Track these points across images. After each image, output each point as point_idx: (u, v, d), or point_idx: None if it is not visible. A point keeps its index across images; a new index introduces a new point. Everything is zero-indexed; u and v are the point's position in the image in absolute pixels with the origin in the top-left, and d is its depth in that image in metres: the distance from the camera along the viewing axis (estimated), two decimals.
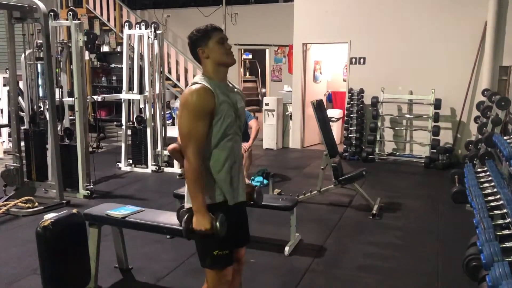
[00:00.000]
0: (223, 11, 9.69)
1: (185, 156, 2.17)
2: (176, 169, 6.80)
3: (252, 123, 5.99)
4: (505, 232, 2.93)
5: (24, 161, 5.37)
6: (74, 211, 2.97)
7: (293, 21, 8.62)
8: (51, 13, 5.57)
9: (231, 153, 2.26)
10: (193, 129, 2.14)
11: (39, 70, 5.62)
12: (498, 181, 3.76)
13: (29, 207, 4.93)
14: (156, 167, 6.88)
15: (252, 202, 2.55)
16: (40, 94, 5.64)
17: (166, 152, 6.79)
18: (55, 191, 5.25)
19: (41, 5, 5.04)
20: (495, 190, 3.61)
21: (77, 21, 5.42)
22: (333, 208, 5.29)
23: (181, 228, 2.92)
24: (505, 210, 3.14)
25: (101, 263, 3.37)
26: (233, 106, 2.26)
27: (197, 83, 2.20)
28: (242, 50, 11.51)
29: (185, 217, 2.22)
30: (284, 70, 11.10)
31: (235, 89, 2.37)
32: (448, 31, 7.51)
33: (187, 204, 2.28)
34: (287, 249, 3.95)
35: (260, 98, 11.73)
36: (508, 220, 3.01)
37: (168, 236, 4.06)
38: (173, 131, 7.32)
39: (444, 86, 7.49)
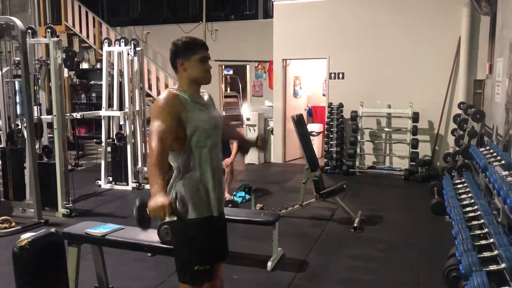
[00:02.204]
0: (203, 27, 9.76)
1: (149, 143, 2.12)
2: None
3: None
4: (483, 242, 2.97)
5: (0, 180, 5.26)
6: (53, 230, 2.90)
7: (272, 38, 8.73)
8: (29, 31, 5.53)
9: (211, 162, 2.28)
10: (162, 120, 2.14)
11: (17, 88, 5.56)
12: (475, 192, 3.83)
13: (5, 227, 4.82)
14: (137, 184, 6.81)
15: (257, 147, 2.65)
16: (18, 112, 5.57)
17: (146, 169, 6.74)
18: (33, 210, 5.15)
19: (19, 23, 4.99)
20: (472, 201, 3.67)
21: (55, 39, 5.39)
22: (315, 222, 5.30)
23: (163, 246, 2.92)
24: (482, 221, 3.19)
25: (80, 283, 3.30)
26: (205, 109, 2.30)
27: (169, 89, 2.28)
28: (223, 66, 11.54)
29: (137, 204, 1.96)
30: (265, 86, 11.16)
31: (205, 97, 2.40)
32: (424, 46, 7.70)
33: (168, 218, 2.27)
34: (269, 264, 3.93)
35: (241, 113, 11.75)
36: (486, 230, 3.05)
37: (149, 254, 4.01)
38: None
39: (422, 100, 7.64)
